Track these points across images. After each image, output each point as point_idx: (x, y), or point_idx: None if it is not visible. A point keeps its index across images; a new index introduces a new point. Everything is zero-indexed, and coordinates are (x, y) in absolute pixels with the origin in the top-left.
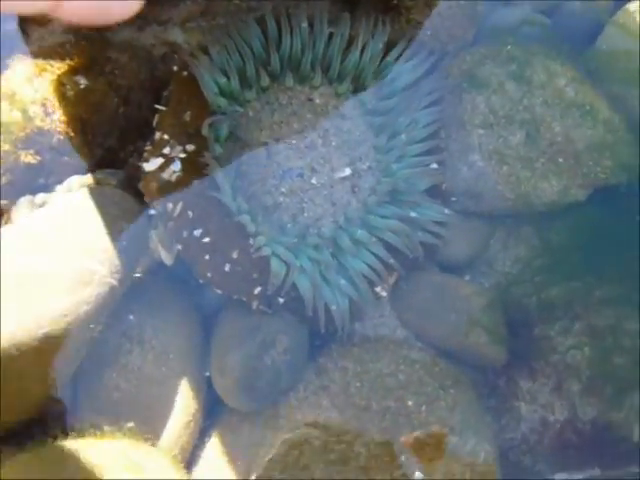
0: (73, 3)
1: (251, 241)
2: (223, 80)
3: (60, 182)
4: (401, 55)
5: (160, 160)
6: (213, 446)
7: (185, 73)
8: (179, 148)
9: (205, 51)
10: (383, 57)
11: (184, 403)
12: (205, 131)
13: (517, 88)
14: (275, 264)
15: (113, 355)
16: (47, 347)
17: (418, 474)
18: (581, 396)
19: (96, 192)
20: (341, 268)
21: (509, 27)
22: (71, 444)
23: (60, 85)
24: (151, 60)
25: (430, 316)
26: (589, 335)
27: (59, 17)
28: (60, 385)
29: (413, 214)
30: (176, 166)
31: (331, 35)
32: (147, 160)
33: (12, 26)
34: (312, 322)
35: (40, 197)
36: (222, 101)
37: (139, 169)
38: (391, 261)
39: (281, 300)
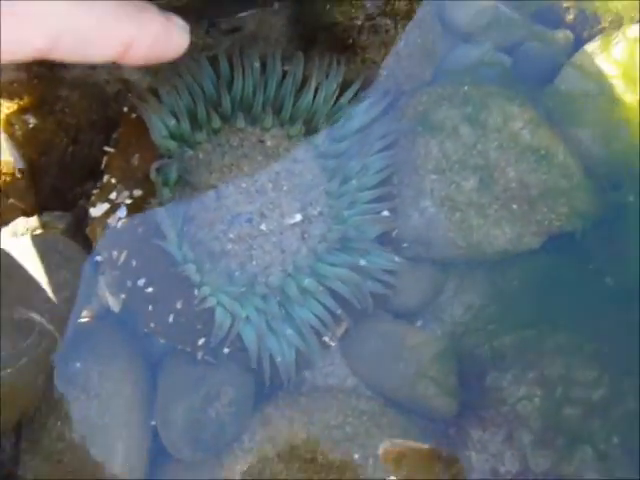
0: (139, 48)
1: (196, 291)
2: (172, 122)
3: (5, 224)
4: (355, 96)
5: (106, 206)
6: None
7: (134, 115)
8: (126, 193)
9: (154, 92)
10: (337, 98)
11: (129, 452)
12: (153, 175)
13: (472, 132)
14: (220, 315)
15: (58, 403)
16: None
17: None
18: (532, 447)
19: (40, 239)
20: (288, 318)
21: (468, 66)
22: None
23: (8, 125)
24: (103, 99)
25: (379, 365)
26: (540, 385)
27: (125, 63)
28: (1, 435)
29: (363, 262)
30: (122, 212)
31: (284, 74)
32: (94, 205)
33: None
34: (258, 373)
35: None
36: (171, 144)
37: (87, 212)
38: (339, 311)
39: (226, 350)
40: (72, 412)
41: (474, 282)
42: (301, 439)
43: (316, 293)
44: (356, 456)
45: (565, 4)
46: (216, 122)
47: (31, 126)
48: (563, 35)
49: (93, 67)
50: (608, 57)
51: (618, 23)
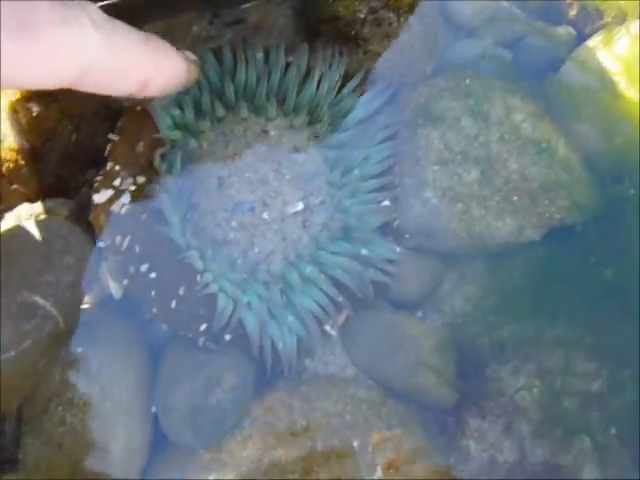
0: (156, 84)
1: (198, 278)
2: (177, 112)
3: (9, 209)
4: (358, 87)
5: (110, 192)
6: None
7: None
8: (130, 180)
9: None
10: (340, 89)
11: (129, 439)
12: (157, 162)
13: (473, 124)
14: (222, 301)
15: (59, 388)
16: None
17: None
18: (531, 437)
19: (43, 225)
20: (290, 305)
21: (469, 60)
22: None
23: (13, 112)
24: None
25: (379, 355)
26: (539, 376)
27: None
28: (3, 418)
29: (364, 251)
30: (126, 199)
31: (288, 65)
32: (98, 191)
33: None
34: (259, 360)
35: None
36: (176, 134)
37: (90, 199)
38: (340, 299)
39: (228, 337)
40: (73, 397)
41: (475, 273)
42: (301, 426)
43: (317, 281)
44: (355, 444)
45: (568, 0)
46: (220, 111)
47: (35, 114)
48: (565, 31)
49: None
50: (610, 52)
51: (621, 19)
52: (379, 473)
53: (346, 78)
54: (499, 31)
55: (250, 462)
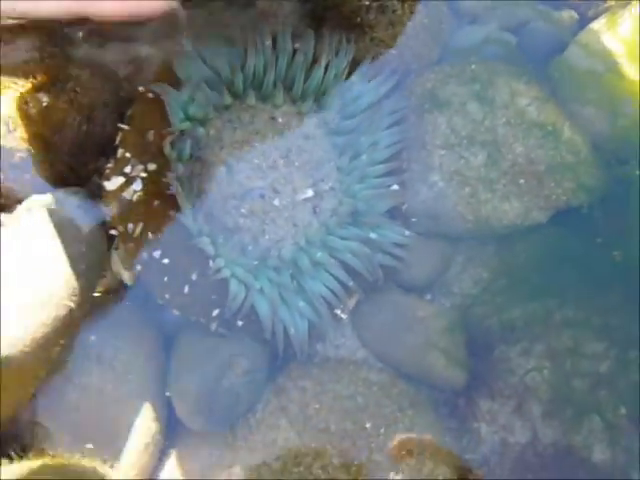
0: None
1: (210, 263)
2: (189, 104)
3: (21, 199)
4: (364, 74)
5: (121, 179)
6: (172, 467)
7: (150, 95)
8: (140, 167)
9: (168, 69)
10: (347, 76)
11: (144, 424)
12: (167, 150)
13: (479, 108)
14: (234, 286)
15: (73, 375)
16: (4, 370)
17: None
18: (542, 418)
19: (55, 214)
20: (300, 290)
21: (474, 45)
22: (29, 464)
23: (23, 103)
24: (115, 78)
25: (389, 338)
26: (549, 357)
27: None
28: (18, 406)
29: (373, 236)
30: (137, 185)
31: (295, 52)
32: (108, 178)
33: None
34: (271, 344)
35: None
36: (186, 124)
37: (101, 187)
38: (350, 284)
39: (240, 322)
40: (87, 384)
41: (482, 256)
42: (314, 409)
43: (328, 265)
44: (368, 425)
45: None
46: (227, 99)
47: (44, 105)
48: (568, 15)
49: (102, 45)
50: (614, 35)
51: (625, 2)
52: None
53: (352, 65)
54: (503, 16)
55: (263, 445)
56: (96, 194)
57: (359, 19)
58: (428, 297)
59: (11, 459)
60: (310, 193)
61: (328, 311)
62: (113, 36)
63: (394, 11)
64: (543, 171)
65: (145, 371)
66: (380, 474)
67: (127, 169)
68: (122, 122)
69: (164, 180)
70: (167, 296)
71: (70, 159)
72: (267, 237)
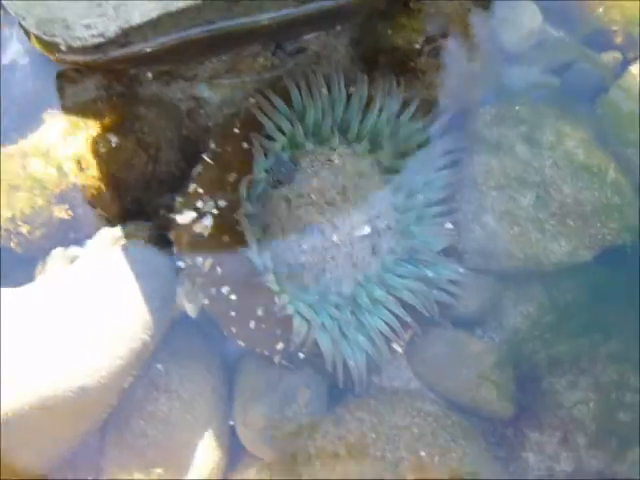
0: None
1: (276, 299)
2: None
3: (91, 235)
4: (415, 114)
5: (193, 214)
6: None
7: (245, 144)
8: (212, 203)
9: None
10: (398, 116)
11: (209, 450)
12: (242, 191)
13: (528, 150)
14: (298, 322)
15: (141, 403)
16: (81, 399)
17: None
18: (587, 448)
19: (129, 250)
20: (359, 325)
21: (520, 86)
22: None
23: (93, 142)
24: (178, 117)
25: (442, 371)
26: (595, 390)
27: None
28: (90, 432)
29: (430, 273)
30: (208, 221)
31: (349, 96)
32: (180, 212)
33: (47, 82)
34: (331, 376)
35: (72, 250)
36: (263, 175)
37: (167, 223)
38: (409, 320)
39: (302, 355)
40: (155, 411)
41: (531, 292)
42: (371, 438)
43: (386, 302)
44: (422, 454)
45: (614, 27)
46: (291, 152)
47: (113, 145)
48: (611, 56)
49: (168, 83)
50: None
51: None
52: None
53: (404, 106)
54: (547, 57)
55: (323, 473)
56: (163, 228)
57: (412, 63)
58: (479, 331)
59: None
60: (367, 230)
61: (386, 345)
62: (178, 75)
63: (445, 55)
64: (589, 212)
65: (210, 399)
66: None
67: (199, 204)
68: (185, 161)
69: (234, 217)
70: (233, 330)
71: (137, 195)
72: (327, 273)
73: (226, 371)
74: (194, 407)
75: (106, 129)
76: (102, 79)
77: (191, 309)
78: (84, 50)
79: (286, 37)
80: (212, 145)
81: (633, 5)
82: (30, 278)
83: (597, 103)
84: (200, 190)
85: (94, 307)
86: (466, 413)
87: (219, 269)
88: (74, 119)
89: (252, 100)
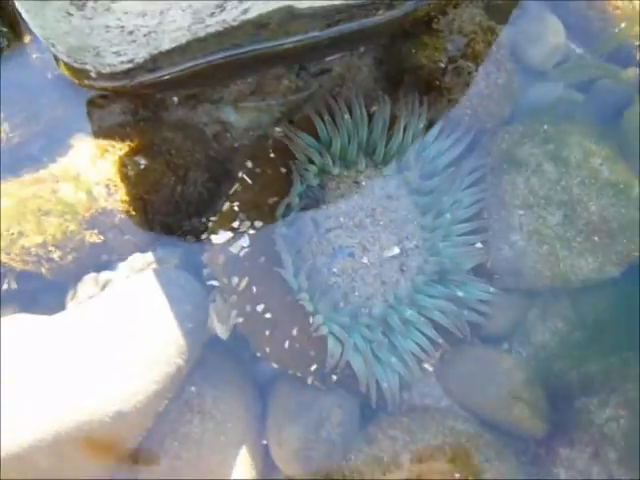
0: None
1: (310, 320)
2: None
3: (122, 259)
4: (441, 134)
5: (229, 234)
6: None
7: (282, 169)
8: (248, 223)
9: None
10: (424, 136)
11: (243, 471)
12: (279, 213)
13: (555, 169)
14: (332, 343)
15: (175, 424)
16: (118, 423)
17: None
18: (618, 463)
19: (161, 274)
20: (391, 346)
21: (544, 103)
22: None
23: (122, 166)
24: (204, 139)
25: (473, 388)
26: (625, 407)
27: None
28: (126, 454)
29: (460, 293)
30: (245, 241)
31: (371, 116)
32: (215, 232)
33: (74, 108)
34: (363, 395)
35: (104, 275)
36: (297, 200)
37: (198, 244)
38: (440, 341)
39: (334, 377)
40: (189, 433)
41: (559, 308)
42: (405, 458)
43: (418, 323)
44: (457, 475)
45: (636, 42)
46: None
47: (142, 167)
48: (633, 72)
49: (194, 107)
50: None
51: None
52: None
53: (429, 125)
54: (571, 74)
55: None
56: (192, 252)
57: (437, 82)
58: (505, 346)
59: None
60: (396, 250)
61: (417, 365)
62: (203, 98)
63: (469, 73)
64: (616, 228)
65: (243, 420)
66: None
67: (235, 224)
68: (213, 182)
69: (271, 237)
70: (267, 349)
71: (166, 218)
72: (357, 294)
73: (259, 392)
74: (227, 428)
75: (134, 152)
76: (129, 104)
77: (222, 331)
78: (112, 76)
79: (310, 59)
80: (250, 165)
81: None
82: (61, 303)
83: (621, 119)
84: (235, 208)
85: (128, 332)
86: (499, 431)
87: (254, 288)
88: (102, 143)
89: (278, 129)
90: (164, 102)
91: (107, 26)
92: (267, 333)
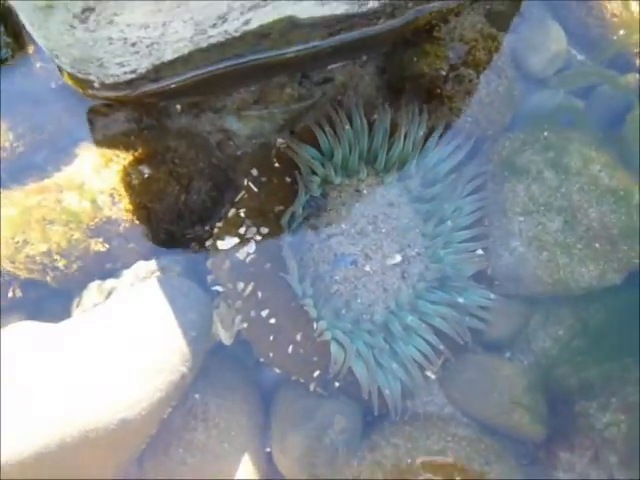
0: None
1: (314, 325)
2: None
3: (127, 267)
4: (441, 141)
5: (236, 240)
6: None
7: (287, 179)
8: (254, 230)
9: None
10: (425, 143)
11: (246, 477)
12: (284, 221)
13: (555, 176)
14: (335, 349)
15: (179, 432)
16: (123, 430)
17: None
18: (618, 466)
19: (165, 283)
20: (393, 352)
21: (545, 110)
22: None
23: (126, 175)
24: (208, 147)
25: (475, 395)
26: (625, 412)
27: None
28: (130, 460)
29: (461, 300)
30: (251, 248)
31: (371, 124)
32: (221, 238)
33: (78, 117)
34: (365, 402)
35: (109, 283)
36: (300, 209)
37: (202, 251)
38: (441, 347)
39: (337, 384)
40: (193, 440)
41: (560, 316)
42: (406, 464)
43: (419, 330)
44: (458, 478)
45: (635, 49)
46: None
47: (146, 176)
48: (633, 78)
49: (197, 116)
50: None
51: None
52: None
53: (430, 133)
54: (571, 80)
55: None
56: (195, 260)
57: (439, 90)
58: (507, 354)
59: None
60: (398, 258)
61: (419, 373)
62: (206, 107)
63: (470, 80)
64: (616, 235)
65: (247, 427)
66: None
67: (242, 230)
68: (216, 191)
69: (277, 244)
70: (271, 355)
71: (170, 227)
72: (359, 301)
73: (262, 399)
74: (231, 435)
75: (138, 161)
76: (132, 112)
77: (226, 337)
78: (116, 86)
79: (313, 67)
80: (255, 173)
81: None
82: (66, 310)
83: (620, 125)
84: (242, 215)
85: (133, 341)
86: (499, 436)
87: (260, 293)
88: (106, 152)
89: (280, 140)
90: (167, 110)
91: (110, 38)
92: (271, 338)
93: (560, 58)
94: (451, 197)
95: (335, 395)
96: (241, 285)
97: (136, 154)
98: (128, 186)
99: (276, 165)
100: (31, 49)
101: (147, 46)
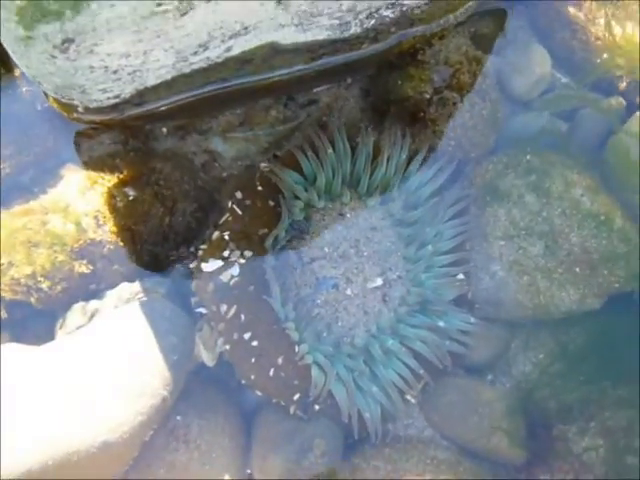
0: None
1: (296, 348)
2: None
3: (111, 288)
4: (424, 165)
5: (220, 262)
6: None
7: (271, 202)
8: (238, 252)
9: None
10: (407, 167)
11: None
12: (268, 244)
13: (536, 200)
14: (316, 373)
15: (161, 453)
16: (104, 453)
17: None
18: None
19: (148, 306)
20: (373, 376)
21: (528, 133)
22: None
23: (111, 197)
24: (193, 169)
25: (455, 418)
26: (604, 436)
27: None
28: None
29: (441, 323)
30: (235, 270)
31: (354, 148)
32: (206, 260)
33: (64, 138)
34: (346, 425)
35: (92, 304)
36: (284, 231)
37: (186, 273)
38: (421, 371)
39: (317, 407)
40: (174, 461)
41: (540, 340)
42: None
43: (399, 353)
44: None
45: (618, 72)
46: (304, 213)
47: (131, 198)
48: (615, 101)
49: (182, 138)
50: None
51: None
52: None
53: (413, 156)
54: (555, 103)
55: None
56: (179, 282)
57: (422, 113)
58: (489, 377)
59: None
60: (379, 282)
61: (399, 397)
62: (192, 129)
63: (454, 104)
64: (597, 260)
65: (228, 448)
66: None
67: (226, 253)
68: (201, 213)
69: (261, 267)
70: (252, 377)
71: (154, 248)
72: (340, 324)
73: (244, 420)
74: (212, 457)
75: (123, 183)
76: (118, 135)
77: (208, 358)
78: (100, 110)
79: (298, 90)
80: (239, 196)
81: (637, 51)
82: (49, 330)
83: (603, 149)
84: (226, 237)
85: (115, 364)
86: (479, 459)
87: (243, 316)
88: (92, 174)
89: (264, 165)
90: (154, 132)
91: (91, 67)
92: (253, 361)
93: (544, 81)
94: (433, 221)
95: (315, 418)
96: (224, 307)
97: (121, 176)
98: (113, 208)
99: (260, 189)
100: (17, 72)
101: (129, 73)
